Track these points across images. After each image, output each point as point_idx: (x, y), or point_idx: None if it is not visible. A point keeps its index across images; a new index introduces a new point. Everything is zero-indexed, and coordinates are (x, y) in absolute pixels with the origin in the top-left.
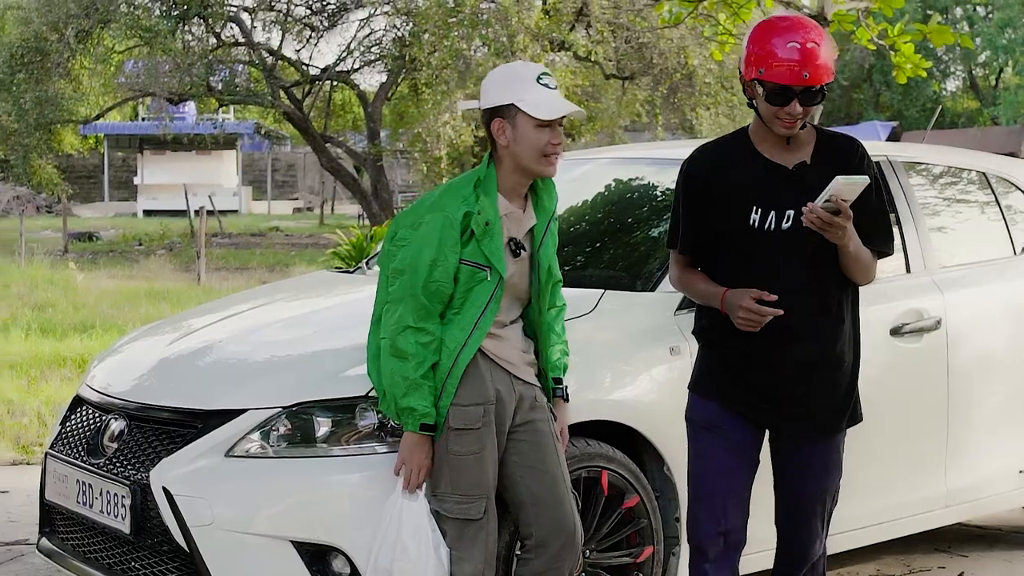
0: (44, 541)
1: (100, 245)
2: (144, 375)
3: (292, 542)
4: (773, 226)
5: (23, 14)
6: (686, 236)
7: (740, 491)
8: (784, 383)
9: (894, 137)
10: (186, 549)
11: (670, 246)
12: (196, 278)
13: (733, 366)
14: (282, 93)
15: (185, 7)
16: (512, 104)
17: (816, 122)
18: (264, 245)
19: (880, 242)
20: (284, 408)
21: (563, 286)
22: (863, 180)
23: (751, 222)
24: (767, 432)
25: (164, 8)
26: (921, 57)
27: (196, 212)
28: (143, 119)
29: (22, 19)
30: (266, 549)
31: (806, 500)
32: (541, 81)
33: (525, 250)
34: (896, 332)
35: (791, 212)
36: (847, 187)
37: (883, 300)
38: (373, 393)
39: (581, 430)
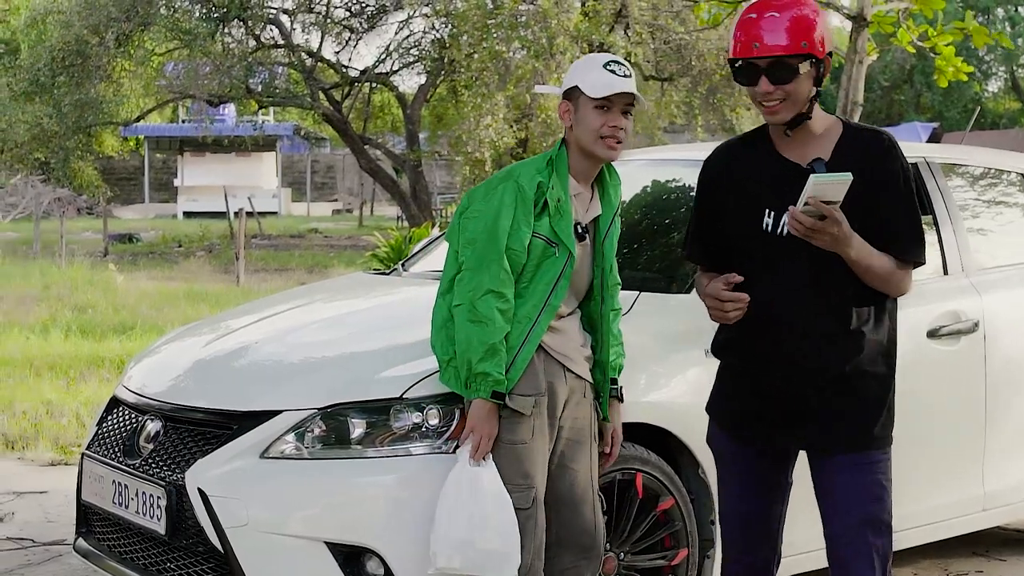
0: (81, 541)
1: (140, 246)
2: (180, 376)
3: (326, 543)
4: (786, 230)
5: (64, 18)
6: (695, 242)
7: (758, 520)
8: (794, 390)
9: (935, 138)
10: (221, 550)
11: (682, 250)
12: (235, 279)
13: (743, 377)
14: (321, 95)
15: (225, 9)
16: (576, 86)
17: (856, 120)
18: (303, 247)
19: (901, 250)
20: (319, 409)
21: None
22: (844, 178)
23: (764, 226)
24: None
25: (204, 11)
26: (963, 61)
27: (235, 214)
28: (183, 121)
29: (63, 23)
30: (301, 550)
31: (841, 529)
32: (608, 67)
33: (589, 235)
34: (933, 334)
35: None
36: (825, 187)
37: (920, 302)
38: (408, 395)
39: None
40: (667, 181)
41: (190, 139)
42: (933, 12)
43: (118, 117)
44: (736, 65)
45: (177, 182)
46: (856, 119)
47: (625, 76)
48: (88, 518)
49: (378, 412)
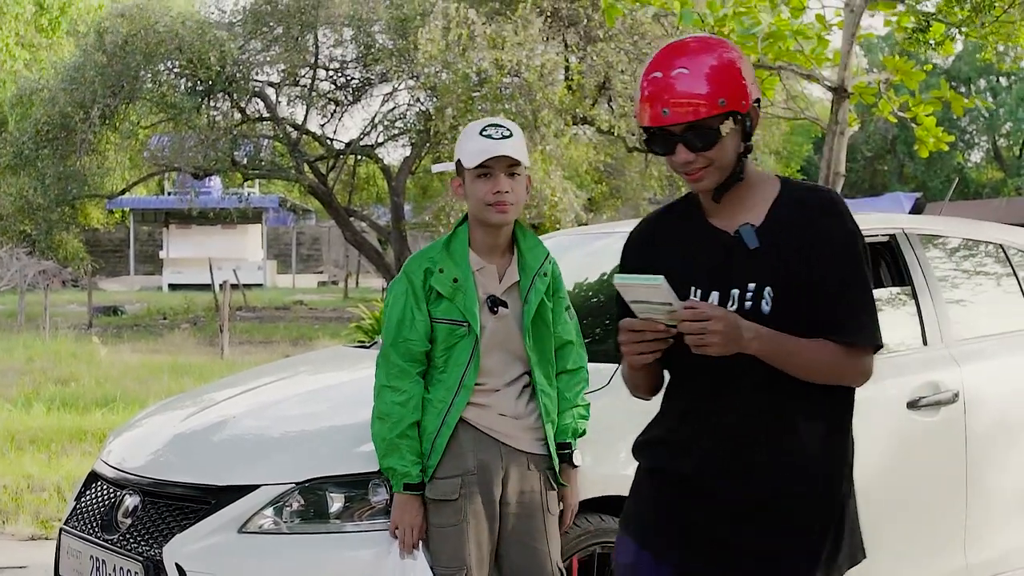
0: None
1: (124, 319)
2: (159, 450)
3: None
4: None
5: (49, 94)
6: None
7: None
8: (720, 511)
9: (918, 208)
10: None
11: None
12: (220, 352)
13: (664, 483)
14: (307, 167)
15: (210, 83)
16: (459, 159)
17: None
18: (288, 319)
19: (849, 331)
20: (298, 484)
21: None
22: (653, 281)
23: None
24: None
25: (189, 84)
26: (944, 131)
27: (220, 286)
28: (169, 193)
29: (48, 99)
30: None
31: None
32: (483, 132)
33: (505, 307)
34: (913, 405)
35: (735, 292)
36: (635, 290)
37: (899, 373)
38: None
39: (594, 506)
40: None
41: (175, 211)
42: (917, 83)
43: (103, 189)
44: (648, 132)
45: (162, 254)
46: (839, 189)
47: (503, 137)
48: None
49: (356, 486)
